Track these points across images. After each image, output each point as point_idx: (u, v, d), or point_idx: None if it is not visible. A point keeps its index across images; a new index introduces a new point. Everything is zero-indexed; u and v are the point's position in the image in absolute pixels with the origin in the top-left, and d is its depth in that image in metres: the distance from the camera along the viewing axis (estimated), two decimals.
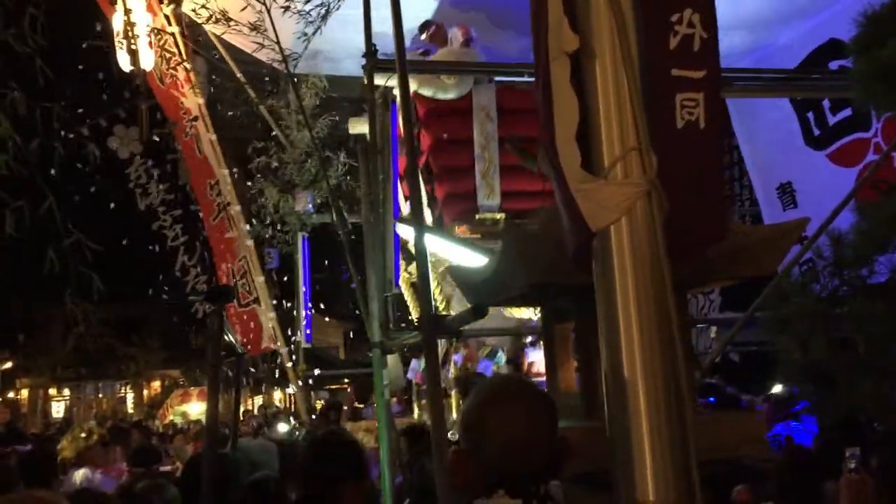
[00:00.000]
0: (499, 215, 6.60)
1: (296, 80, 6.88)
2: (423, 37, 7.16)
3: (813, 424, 6.71)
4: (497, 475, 1.72)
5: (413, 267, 6.07)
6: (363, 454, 2.67)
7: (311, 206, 9.38)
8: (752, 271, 2.52)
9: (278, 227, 9.29)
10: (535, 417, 1.74)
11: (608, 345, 1.50)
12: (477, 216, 6.66)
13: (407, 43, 7.11)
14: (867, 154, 7.01)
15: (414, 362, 10.12)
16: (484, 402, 1.82)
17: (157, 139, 9.75)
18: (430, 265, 4.32)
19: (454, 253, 4.29)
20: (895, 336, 4.11)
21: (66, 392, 31.15)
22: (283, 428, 9.05)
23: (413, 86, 6.21)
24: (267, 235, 9.70)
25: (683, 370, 1.48)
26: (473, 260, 4.08)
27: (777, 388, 8.11)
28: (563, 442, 1.81)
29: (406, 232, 5.52)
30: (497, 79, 6.99)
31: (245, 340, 8.69)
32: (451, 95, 6.59)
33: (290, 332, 10.33)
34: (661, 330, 1.44)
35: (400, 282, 6.21)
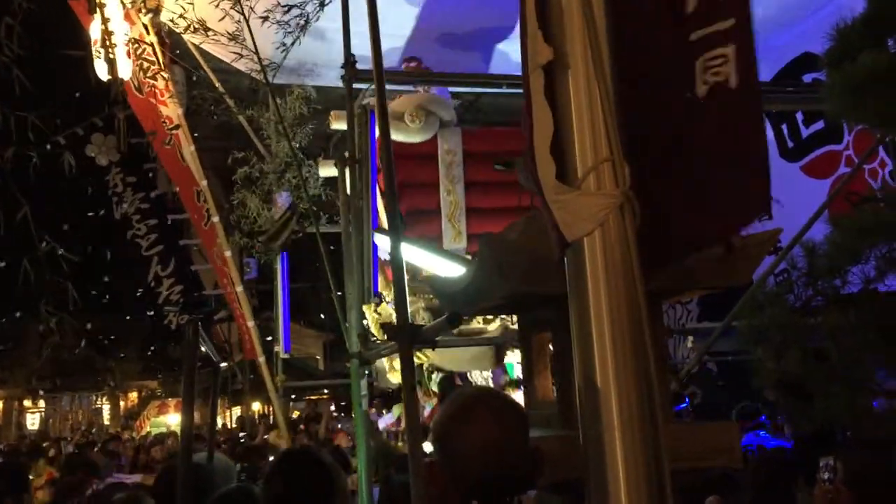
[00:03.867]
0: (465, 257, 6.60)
1: (275, 90, 6.88)
2: (403, 68, 7.20)
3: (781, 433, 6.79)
4: (470, 486, 1.72)
5: (381, 308, 6.05)
6: (332, 473, 2.57)
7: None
8: (726, 281, 2.55)
9: (257, 238, 9.26)
10: (505, 427, 1.76)
11: (581, 354, 1.51)
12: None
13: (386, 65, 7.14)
14: (839, 166, 7.11)
15: (388, 416, 10.14)
16: (455, 413, 1.83)
17: (134, 148, 9.70)
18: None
19: (431, 263, 4.30)
20: (868, 346, 4.16)
21: (42, 404, 30.78)
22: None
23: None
24: (246, 245, 9.68)
25: (656, 379, 1.50)
26: (450, 270, 4.09)
27: None
28: (536, 452, 1.82)
29: (384, 242, 5.51)
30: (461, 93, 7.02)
31: (249, 343, 8.75)
32: (416, 139, 6.61)
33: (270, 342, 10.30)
34: (634, 340, 1.46)
35: (370, 323, 6.17)
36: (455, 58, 7.29)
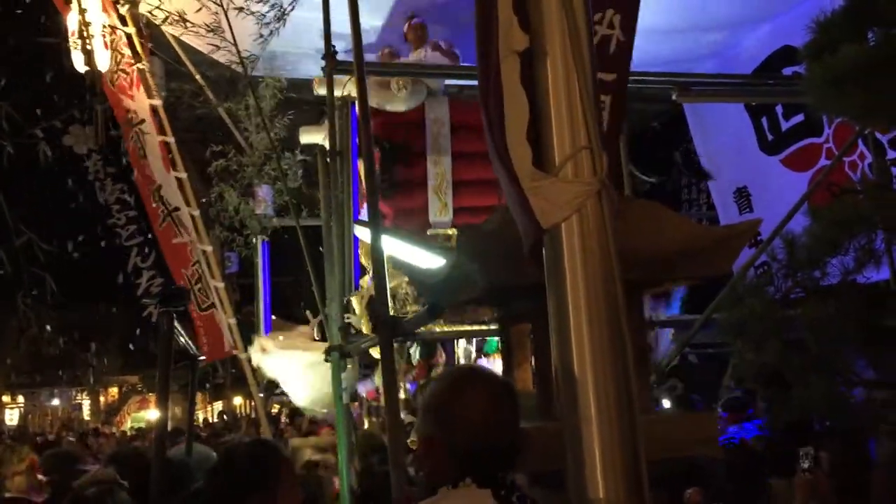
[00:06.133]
0: (451, 231, 6.45)
1: (254, 82, 6.81)
2: (405, 27, 7.03)
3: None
4: (466, 459, 1.71)
5: (363, 282, 5.95)
6: (274, 462, 2.50)
7: (270, 208, 9.30)
8: (706, 272, 2.55)
9: (237, 232, 9.19)
10: (503, 402, 1.76)
11: (559, 343, 1.50)
12: (428, 232, 6.50)
13: (372, 39, 7.02)
14: (819, 159, 7.13)
15: (365, 382, 10.05)
16: (454, 386, 1.81)
17: (115, 140, 9.60)
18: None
19: (411, 254, 4.29)
20: (847, 337, 4.18)
21: (21, 399, 30.55)
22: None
23: None
24: (228, 239, 9.60)
25: (633, 368, 1.49)
26: (430, 261, 4.08)
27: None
28: (524, 432, 1.82)
29: (364, 234, 5.49)
30: (452, 83, 6.88)
31: (207, 345, 8.56)
32: (402, 107, 6.42)
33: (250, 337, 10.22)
34: (612, 328, 1.45)
35: (356, 306, 6.04)
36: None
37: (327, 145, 6.83)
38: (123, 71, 8.16)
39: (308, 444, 7.34)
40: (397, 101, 6.38)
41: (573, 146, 1.48)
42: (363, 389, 9.04)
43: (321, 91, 6.28)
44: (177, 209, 8.53)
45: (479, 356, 7.36)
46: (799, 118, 7.35)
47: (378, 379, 7.60)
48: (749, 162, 8.01)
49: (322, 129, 7.02)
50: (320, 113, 7.36)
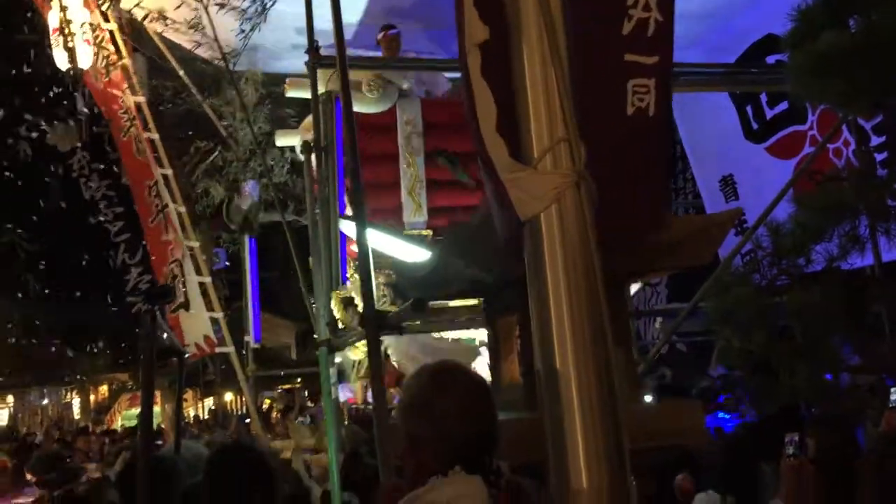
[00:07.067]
0: (425, 232, 6.45)
1: (237, 77, 6.79)
2: (379, 36, 7.04)
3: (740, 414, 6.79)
4: (453, 453, 1.73)
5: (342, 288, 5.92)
6: (267, 467, 2.55)
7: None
8: (688, 262, 2.56)
9: (224, 227, 9.18)
10: (480, 391, 1.79)
11: (540, 334, 1.51)
12: (403, 233, 6.50)
13: (348, 37, 7.01)
14: (804, 146, 7.15)
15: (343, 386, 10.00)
16: (434, 380, 1.83)
17: (99, 135, 9.56)
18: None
19: (396, 249, 4.29)
20: (831, 324, 4.21)
21: (10, 399, 30.37)
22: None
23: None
24: (215, 235, 9.58)
25: (615, 358, 1.50)
26: (416, 255, 4.08)
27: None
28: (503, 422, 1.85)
29: (350, 229, 5.47)
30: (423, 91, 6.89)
31: (184, 343, 8.52)
32: (374, 109, 6.41)
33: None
34: (592, 318, 1.46)
35: (335, 307, 6.02)
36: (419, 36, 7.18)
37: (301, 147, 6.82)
38: (112, 67, 8.12)
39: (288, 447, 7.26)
40: (369, 104, 6.36)
41: (551, 138, 1.49)
42: (343, 396, 9.02)
43: (292, 93, 6.25)
44: (167, 206, 8.50)
45: None
46: (783, 106, 7.36)
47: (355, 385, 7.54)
48: (734, 150, 8.02)
49: (297, 133, 7.01)
50: (303, 105, 7.35)
